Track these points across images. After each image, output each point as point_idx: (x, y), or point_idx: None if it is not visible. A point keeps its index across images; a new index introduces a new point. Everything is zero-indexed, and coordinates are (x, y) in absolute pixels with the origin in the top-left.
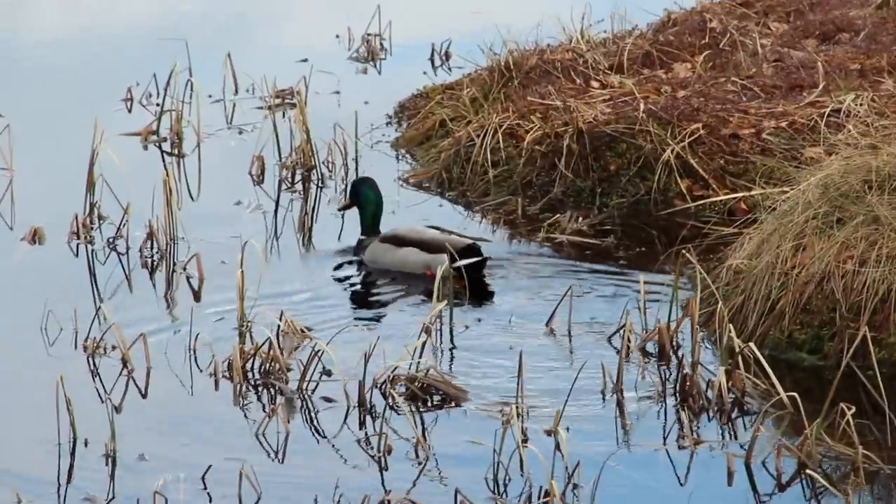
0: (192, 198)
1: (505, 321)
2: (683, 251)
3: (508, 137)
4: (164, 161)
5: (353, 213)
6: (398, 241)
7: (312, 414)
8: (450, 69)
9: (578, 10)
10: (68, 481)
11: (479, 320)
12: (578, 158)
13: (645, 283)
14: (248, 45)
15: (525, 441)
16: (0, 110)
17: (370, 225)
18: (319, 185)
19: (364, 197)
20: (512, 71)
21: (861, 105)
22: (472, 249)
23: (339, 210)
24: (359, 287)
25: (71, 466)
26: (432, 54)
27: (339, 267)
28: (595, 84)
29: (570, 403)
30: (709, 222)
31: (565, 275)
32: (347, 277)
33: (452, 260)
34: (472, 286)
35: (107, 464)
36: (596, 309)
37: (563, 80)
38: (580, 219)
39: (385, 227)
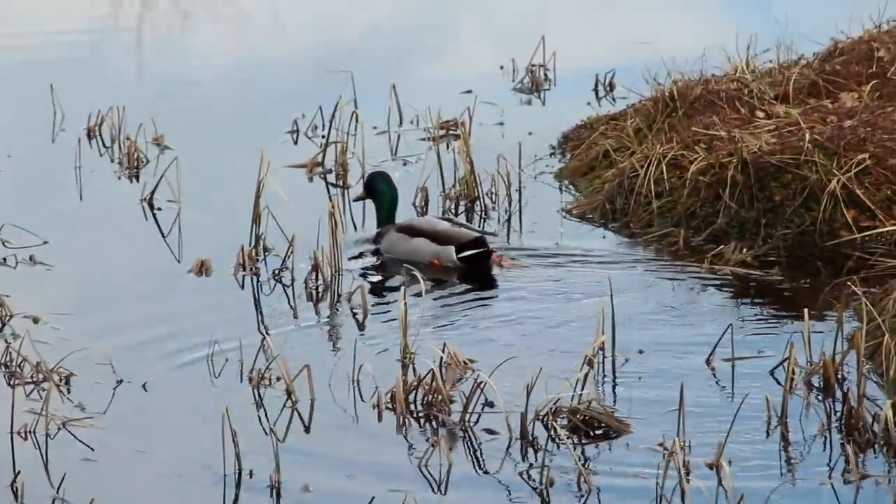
0: (356, 229)
1: (666, 352)
2: (849, 283)
3: (672, 168)
4: (329, 192)
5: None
6: (412, 231)
7: (475, 446)
8: (614, 99)
9: (744, 40)
10: None
11: (641, 351)
12: (743, 189)
13: (809, 315)
14: (413, 76)
15: (687, 474)
16: (168, 143)
17: (385, 217)
18: (483, 216)
19: (379, 190)
20: (676, 101)
21: None
22: (477, 242)
23: (354, 200)
24: (517, 317)
25: (236, 498)
26: (596, 85)
27: (357, 257)
28: (760, 114)
29: (732, 436)
30: (875, 253)
31: (728, 306)
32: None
33: (458, 251)
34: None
35: (271, 495)
36: (759, 341)
37: (727, 111)
38: (744, 250)
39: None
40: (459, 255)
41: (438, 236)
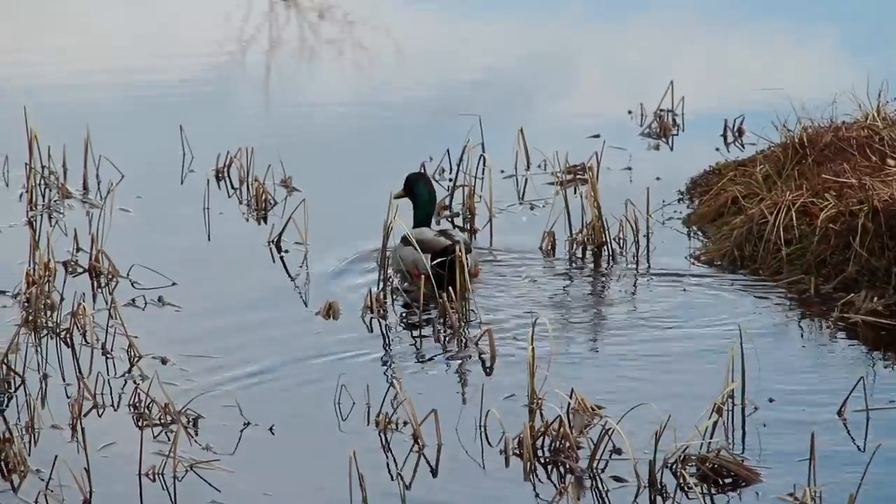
0: (482, 272)
1: (797, 401)
2: None
3: (802, 215)
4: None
5: None
6: (405, 240)
7: (603, 493)
8: (742, 145)
9: (875, 86)
10: None
11: (772, 400)
12: (874, 237)
13: None
14: (540, 119)
15: None
16: (296, 184)
17: (420, 220)
18: (610, 261)
19: (417, 192)
20: (806, 148)
21: None
22: (450, 250)
23: (394, 198)
24: (645, 359)
25: None
26: (725, 130)
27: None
28: (891, 162)
29: (864, 487)
30: None
31: (860, 356)
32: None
33: (432, 259)
34: None
35: None
36: (892, 391)
37: (858, 158)
38: (875, 298)
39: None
40: (433, 263)
41: (420, 245)
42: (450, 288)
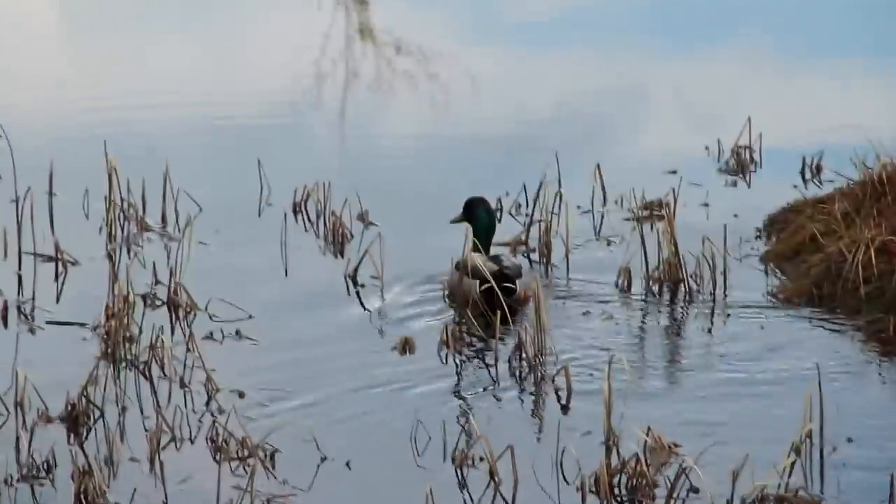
0: (558, 309)
1: (876, 441)
2: None
3: (881, 254)
4: (532, 271)
5: None
6: (457, 265)
7: None
8: (820, 183)
9: None
10: None
11: (850, 440)
12: None
13: None
14: (617, 155)
15: None
16: (372, 218)
17: (480, 245)
18: (687, 298)
19: (477, 216)
20: (885, 186)
21: None
22: (499, 276)
23: (451, 222)
24: (721, 394)
25: None
26: (803, 167)
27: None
28: None
29: None
30: None
31: None
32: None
33: (481, 285)
34: None
35: None
36: None
37: None
38: None
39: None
40: (481, 289)
41: (472, 271)
42: (526, 324)
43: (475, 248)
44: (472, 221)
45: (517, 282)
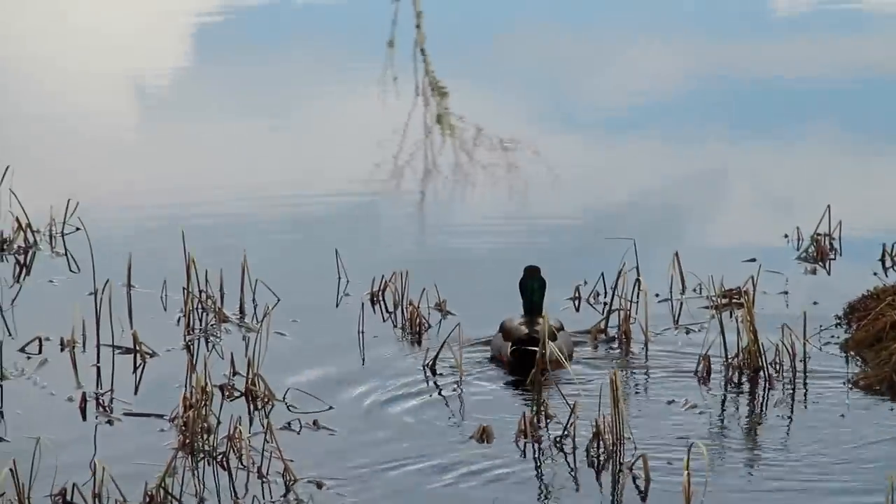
0: (637, 397)
1: None
2: None
3: None
4: (611, 359)
5: None
6: (500, 327)
7: None
8: None
9: None
10: None
11: None
12: None
13: None
14: (694, 243)
15: None
16: (450, 308)
17: (526, 309)
18: (767, 386)
19: (526, 282)
20: None
21: None
22: (528, 339)
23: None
24: (805, 493)
25: None
26: (883, 255)
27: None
28: None
29: None
30: None
31: None
32: None
33: (512, 346)
34: None
35: None
36: None
37: None
38: None
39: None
40: (511, 349)
41: (505, 332)
42: (605, 415)
43: (525, 312)
44: (523, 287)
45: (551, 345)
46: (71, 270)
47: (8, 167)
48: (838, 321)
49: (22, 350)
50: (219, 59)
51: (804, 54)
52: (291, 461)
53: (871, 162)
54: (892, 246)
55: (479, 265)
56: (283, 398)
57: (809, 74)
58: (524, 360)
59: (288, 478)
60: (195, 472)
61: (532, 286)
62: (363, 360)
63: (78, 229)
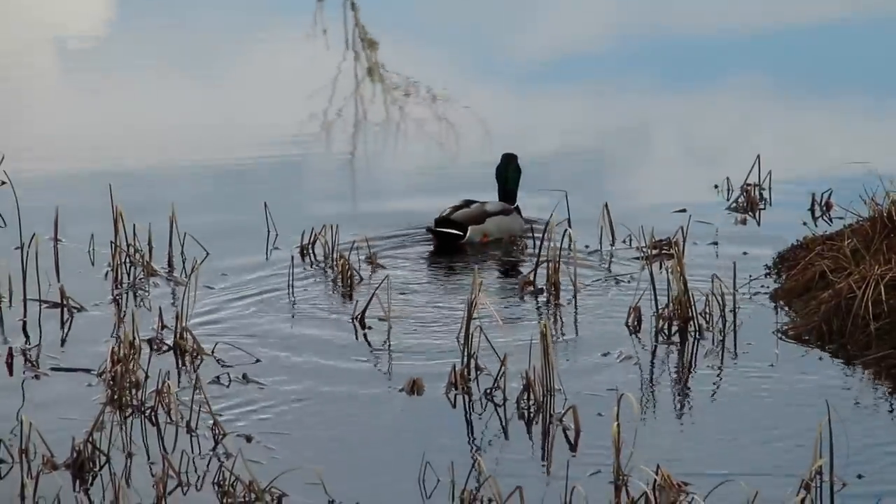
0: (568, 348)
1: (885, 477)
2: None
3: (891, 290)
4: (540, 311)
5: None
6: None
7: None
8: (830, 219)
9: None
10: None
11: (860, 476)
12: None
13: None
14: (625, 194)
15: None
16: (380, 261)
17: (500, 195)
18: (696, 336)
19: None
20: (894, 222)
21: None
22: (441, 221)
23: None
24: (730, 431)
25: None
26: (812, 204)
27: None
28: None
29: None
30: None
31: None
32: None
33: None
34: None
35: None
36: None
37: None
38: None
39: None
40: (426, 228)
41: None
42: (536, 366)
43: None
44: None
45: (471, 228)
46: None
47: None
48: (768, 271)
49: None
50: (145, 13)
51: (731, 5)
52: (220, 415)
53: (800, 111)
54: (822, 195)
55: (410, 218)
56: (212, 352)
57: (736, 25)
58: (441, 239)
59: (217, 431)
60: (123, 426)
61: (506, 174)
62: (293, 313)
63: (3, 183)
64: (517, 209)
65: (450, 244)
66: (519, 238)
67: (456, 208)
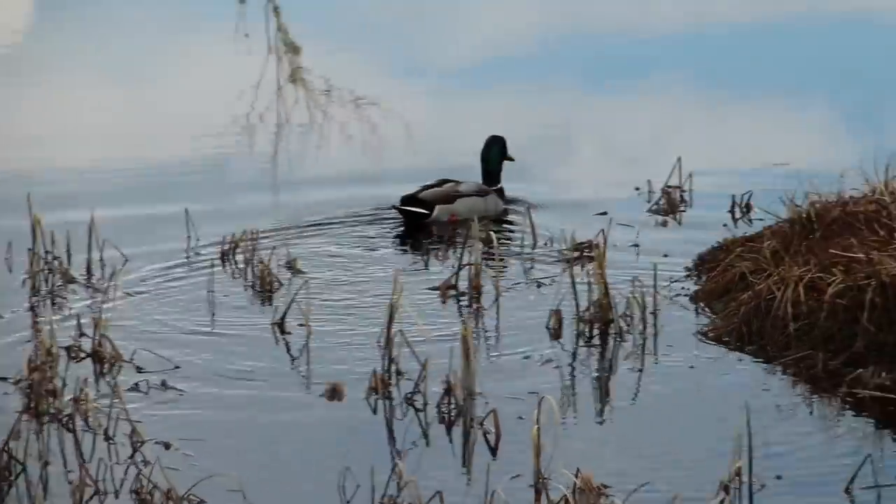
0: (489, 352)
1: (804, 478)
2: None
3: (810, 291)
4: (461, 315)
5: None
6: None
7: None
8: (750, 221)
9: (882, 160)
10: None
11: (779, 477)
12: (882, 312)
13: None
14: (546, 197)
15: None
16: (300, 266)
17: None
18: (617, 338)
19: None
20: (813, 223)
21: None
22: (406, 199)
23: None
24: (650, 434)
25: None
26: (732, 206)
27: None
28: None
29: None
30: None
31: (868, 432)
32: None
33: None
34: None
35: None
36: None
37: (866, 232)
38: (883, 373)
39: None
40: (392, 206)
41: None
42: (457, 370)
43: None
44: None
45: (438, 208)
46: None
47: None
48: (688, 273)
49: None
50: (68, 16)
51: (652, 8)
52: (139, 422)
53: (721, 113)
54: (742, 197)
55: (331, 222)
56: (131, 359)
57: (657, 28)
58: (407, 217)
59: (135, 439)
60: (40, 435)
61: (488, 156)
62: (213, 319)
63: None
64: (500, 191)
65: (416, 223)
66: (494, 219)
67: (427, 187)
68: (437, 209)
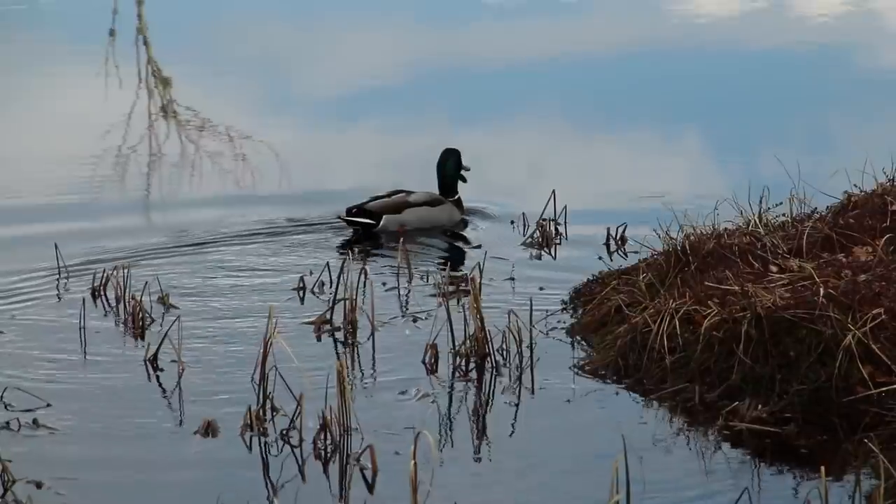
0: (365, 388)
1: None
2: (866, 440)
3: (685, 323)
4: (337, 350)
5: None
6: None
7: None
8: (625, 254)
9: (756, 193)
10: None
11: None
12: (757, 344)
13: (827, 472)
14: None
15: None
16: (172, 301)
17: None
18: (494, 373)
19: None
20: (688, 255)
21: None
22: (353, 210)
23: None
24: (528, 469)
25: None
26: (608, 239)
27: None
28: (773, 268)
29: None
30: (893, 410)
31: (745, 464)
32: None
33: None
34: None
35: None
36: (776, 500)
37: (740, 265)
38: (759, 406)
39: None
40: (337, 216)
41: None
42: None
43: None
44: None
45: (386, 218)
46: None
47: None
48: (564, 306)
49: None
50: None
51: (523, 42)
52: (10, 461)
53: (595, 145)
54: (617, 229)
55: (204, 258)
56: (1, 397)
57: (529, 62)
58: (354, 228)
59: (6, 478)
60: None
61: (444, 167)
62: (84, 356)
63: None
64: (458, 201)
65: (364, 233)
66: (448, 230)
67: (376, 198)
68: (385, 219)
